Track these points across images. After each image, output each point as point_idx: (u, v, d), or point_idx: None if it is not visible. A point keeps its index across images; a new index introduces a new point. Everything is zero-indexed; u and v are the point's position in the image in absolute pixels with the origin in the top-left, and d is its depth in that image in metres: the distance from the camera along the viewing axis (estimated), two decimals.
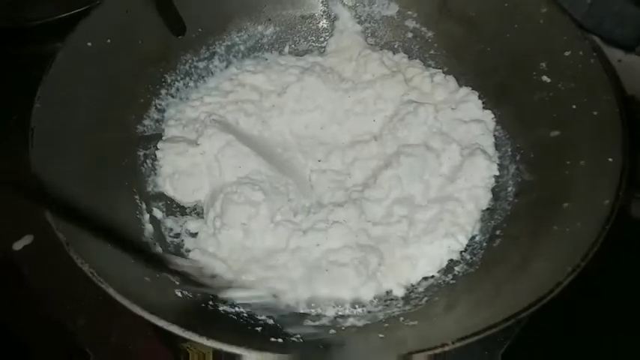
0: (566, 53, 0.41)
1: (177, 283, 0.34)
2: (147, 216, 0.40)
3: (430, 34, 0.50)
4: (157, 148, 0.45)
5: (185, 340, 0.40)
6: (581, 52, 0.40)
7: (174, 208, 0.43)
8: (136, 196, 0.41)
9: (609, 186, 0.32)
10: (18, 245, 0.48)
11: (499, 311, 0.29)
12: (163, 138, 0.45)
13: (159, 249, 0.38)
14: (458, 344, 0.26)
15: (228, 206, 0.41)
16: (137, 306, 0.30)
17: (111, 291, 0.30)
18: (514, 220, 0.39)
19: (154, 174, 0.44)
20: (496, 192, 0.42)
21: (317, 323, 0.36)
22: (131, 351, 0.42)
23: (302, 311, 0.37)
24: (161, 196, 0.43)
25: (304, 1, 0.53)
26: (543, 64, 0.43)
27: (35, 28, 0.58)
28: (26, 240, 0.48)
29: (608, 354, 0.50)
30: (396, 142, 0.44)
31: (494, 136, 0.44)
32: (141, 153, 0.44)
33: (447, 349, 0.26)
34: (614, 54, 0.54)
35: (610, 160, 0.34)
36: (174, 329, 0.29)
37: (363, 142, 0.45)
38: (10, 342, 0.51)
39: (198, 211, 0.43)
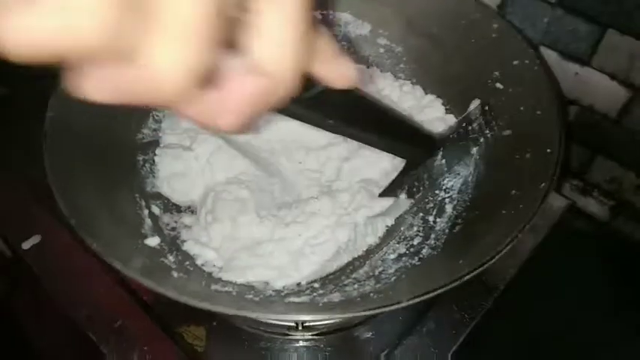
0: (515, 62, 0.47)
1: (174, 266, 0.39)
2: (146, 211, 0.46)
3: (399, 49, 0.57)
4: (155, 154, 0.50)
5: (184, 322, 0.46)
6: (527, 61, 0.46)
7: (171, 206, 0.48)
8: (137, 195, 0.46)
9: (546, 172, 0.38)
10: (27, 244, 0.53)
11: (449, 278, 0.33)
12: (161, 145, 0.51)
13: (157, 239, 0.43)
14: (410, 302, 0.31)
15: (218, 202, 0.46)
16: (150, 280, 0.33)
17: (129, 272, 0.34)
18: (472, 209, 0.45)
19: (152, 176, 0.49)
20: (459, 186, 0.48)
21: (300, 300, 0.41)
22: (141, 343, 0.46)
23: (285, 292, 0.42)
24: (159, 196, 0.48)
25: None
26: (497, 73, 0.49)
27: None
28: (34, 239, 0.53)
29: (557, 354, 0.55)
30: None
31: None
32: (140, 158, 0.49)
33: (401, 305, 0.31)
34: (571, 67, 0.60)
35: (549, 150, 0.39)
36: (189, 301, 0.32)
37: (336, 143, 0.51)
38: (17, 336, 0.56)
39: (192, 209, 0.48)
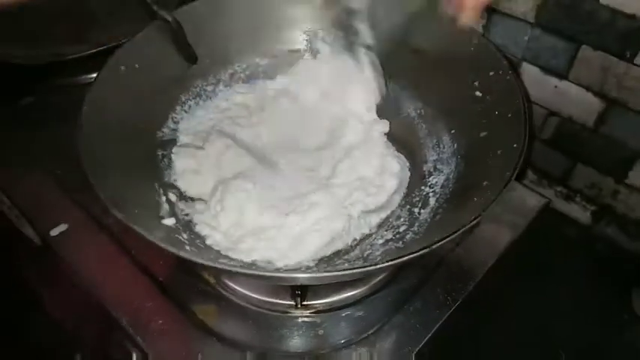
0: (491, 73, 0.54)
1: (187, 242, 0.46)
2: (163, 198, 0.53)
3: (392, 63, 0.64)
4: (172, 152, 0.57)
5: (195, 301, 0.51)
6: (500, 72, 0.53)
7: (185, 195, 0.55)
8: (156, 184, 0.53)
9: (512, 163, 0.44)
10: (55, 232, 0.59)
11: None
12: (177, 144, 0.58)
13: (173, 220, 0.50)
14: (387, 264, 0.37)
15: (226, 194, 0.53)
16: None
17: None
18: (451, 200, 0.51)
19: (169, 169, 0.56)
20: (442, 182, 0.55)
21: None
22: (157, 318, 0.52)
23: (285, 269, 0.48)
24: (175, 186, 0.55)
25: (292, 39, 0.67)
26: (476, 83, 0.56)
27: (71, 61, 0.72)
28: (61, 227, 0.60)
29: (520, 355, 0.60)
30: None
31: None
32: (160, 153, 0.57)
33: (379, 266, 0.37)
34: (551, 81, 0.67)
35: (515, 146, 0.45)
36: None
37: (328, 146, 0.58)
38: (45, 319, 0.62)
39: (204, 199, 0.55)
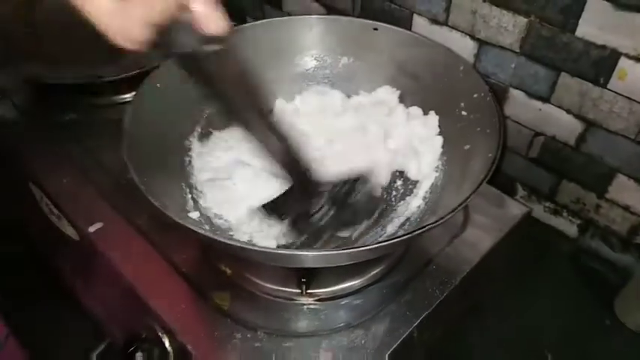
0: (475, 95, 0.63)
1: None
2: (189, 195, 0.63)
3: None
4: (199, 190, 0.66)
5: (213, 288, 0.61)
6: (482, 94, 0.62)
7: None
8: (182, 184, 0.64)
9: (486, 169, 0.53)
10: (92, 228, 0.70)
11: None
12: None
13: (197, 214, 0.60)
14: (381, 244, 0.46)
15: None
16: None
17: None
18: (439, 200, 0.61)
19: (194, 172, 0.66)
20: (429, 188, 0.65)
21: None
22: (180, 302, 0.61)
23: None
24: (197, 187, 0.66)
25: (303, 63, 0.79)
26: (462, 103, 0.65)
27: (111, 82, 0.83)
28: (98, 225, 0.70)
29: (506, 350, 0.67)
30: None
31: None
32: (186, 159, 0.67)
33: (373, 246, 0.46)
34: (536, 104, 0.76)
35: (490, 155, 0.55)
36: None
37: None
38: (82, 311, 0.72)
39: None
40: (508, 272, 0.74)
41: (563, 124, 0.74)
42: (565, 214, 0.82)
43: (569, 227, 0.82)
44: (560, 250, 0.82)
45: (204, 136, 0.71)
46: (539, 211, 0.84)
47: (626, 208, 0.73)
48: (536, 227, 0.84)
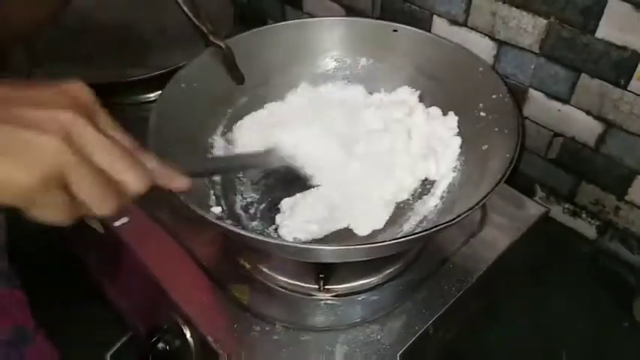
0: (493, 96, 0.64)
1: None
2: (212, 191, 0.65)
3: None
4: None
5: (232, 281, 0.63)
6: (501, 95, 0.63)
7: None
8: (206, 180, 0.66)
9: (504, 168, 0.54)
10: (117, 223, 0.72)
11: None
12: None
13: (219, 209, 0.62)
14: (399, 240, 0.47)
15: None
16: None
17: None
18: (458, 199, 0.62)
19: None
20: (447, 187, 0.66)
21: None
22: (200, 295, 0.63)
23: None
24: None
25: (323, 64, 0.80)
26: (481, 104, 0.66)
27: (136, 82, 0.85)
28: (123, 220, 0.73)
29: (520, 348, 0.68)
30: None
31: None
32: (209, 155, 0.69)
33: (393, 241, 0.47)
34: (554, 105, 0.77)
35: (507, 155, 0.56)
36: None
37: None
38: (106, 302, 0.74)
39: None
40: (525, 272, 0.74)
41: (582, 125, 0.74)
42: (584, 215, 0.82)
43: (588, 229, 0.82)
44: (578, 252, 0.82)
45: (227, 133, 0.73)
46: (558, 212, 0.84)
47: None
48: (555, 228, 0.84)
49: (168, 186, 0.40)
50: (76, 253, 0.82)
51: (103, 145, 0.33)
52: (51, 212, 0.31)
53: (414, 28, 0.75)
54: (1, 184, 0.29)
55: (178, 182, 0.40)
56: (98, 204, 0.33)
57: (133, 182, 0.34)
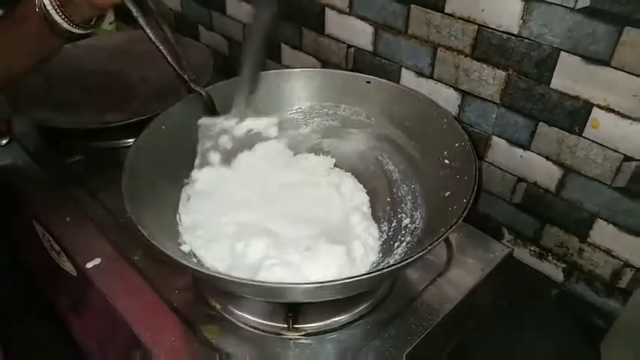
0: (456, 145, 0.68)
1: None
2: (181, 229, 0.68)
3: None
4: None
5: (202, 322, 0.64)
6: (462, 143, 0.67)
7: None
8: (177, 217, 0.69)
9: (460, 212, 0.57)
10: (90, 264, 0.73)
11: None
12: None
13: (189, 247, 0.65)
14: (370, 275, 0.50)
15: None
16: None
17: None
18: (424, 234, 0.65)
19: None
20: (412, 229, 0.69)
21: None
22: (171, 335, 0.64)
23: None
24: None
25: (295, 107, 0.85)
26: (445, 152, 0.70)
27: (114, 128, 0.89)
28: (96, 261, 0.74)
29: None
30: None
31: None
32: (184, 193, 0.72)
33: (361, 277, 0.49)
34: (517, 152, 0.81)
35: (464, 200, 0.59)
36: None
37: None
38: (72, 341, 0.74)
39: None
40: (495, 314, 0.76)
41: (543, 171, 0.79)
42: (550, 257, 0.85)
43: (555, 271, 0.85)
44: (547, 294, 0.84)
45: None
46: (526, 254, 0.87)
47: (608, 252, 0.76)
48: (523, 271, 0.87)
49: None
50: (45, 295, 0.83)
51: None
52: None
53: (384, 80, 0.81)
54: None
55: None
56: None
57: None
